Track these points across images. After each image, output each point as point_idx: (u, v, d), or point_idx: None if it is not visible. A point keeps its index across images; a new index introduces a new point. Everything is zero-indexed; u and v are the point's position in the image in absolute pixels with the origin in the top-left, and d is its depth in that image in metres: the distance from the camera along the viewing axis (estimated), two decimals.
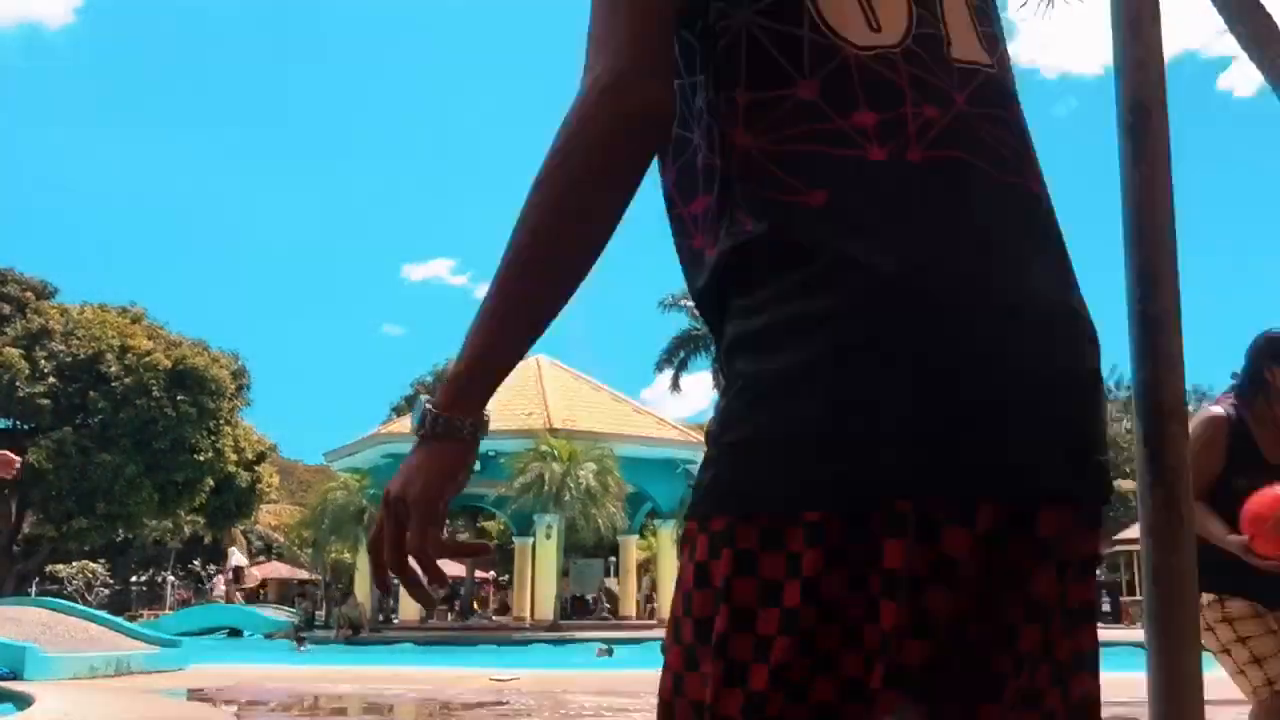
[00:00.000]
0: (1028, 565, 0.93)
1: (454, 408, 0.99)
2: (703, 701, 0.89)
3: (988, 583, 0.91)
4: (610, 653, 16.30)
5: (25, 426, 28.21)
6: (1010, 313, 0.92)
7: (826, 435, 0.88)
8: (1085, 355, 0.99)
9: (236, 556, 40.20)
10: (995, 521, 0.90)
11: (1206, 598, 3.20)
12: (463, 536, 42.04)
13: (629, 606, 28.77)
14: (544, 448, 22.15)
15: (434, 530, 0.98)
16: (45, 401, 27.12)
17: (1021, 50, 76.65)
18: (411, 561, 0.97)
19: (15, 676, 8.71)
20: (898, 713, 0.92)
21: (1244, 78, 72.39)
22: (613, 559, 33.01)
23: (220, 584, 37.62)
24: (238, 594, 36.33)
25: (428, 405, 0.98)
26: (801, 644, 0.86)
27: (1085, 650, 1.00)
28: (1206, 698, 2.57)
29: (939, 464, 0.88)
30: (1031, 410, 0.92)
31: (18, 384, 26.82)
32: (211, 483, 29.37)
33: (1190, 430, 3.10)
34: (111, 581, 42.54)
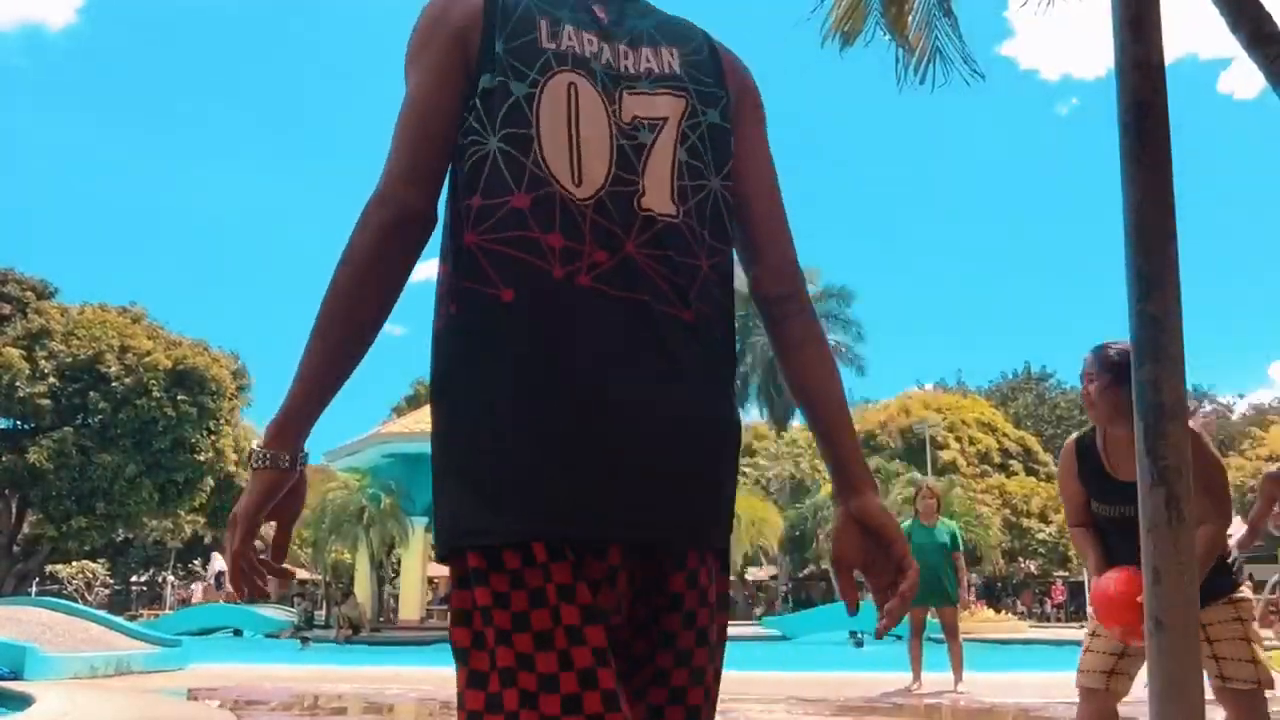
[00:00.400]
0: (655, 585, 1.26)
1: (272, 445, 1.27)
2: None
3: (631, 593, 1.24)
4: None
5: (25, 426, 28.20)
6: (622, 408, 1.21)
7: (494, 490, 1.20)
8: (698, 442, 1.28)
9: (219, 561, 40.19)
10: (624, 556, 1.23)
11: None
12: None
13: None
14: None
15: (248, 537, 1.27)
16: (45, 401, 27.11)
17: (1023, 51, 76.64)
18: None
19: (15, 676, 8.71)
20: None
21: (1245, 80, 72.32)
22: None
23: (199, 591, 37.43)
24: (222, 597, 36.22)
25: (255, 444, 1.28)
26: (514, 649, 1.16)
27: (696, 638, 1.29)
28: (1207, 697, 2.56)
29: (580, 515, 1.19)
30: (634, 480, 1.22)
31: (18, 384, 26.81)
32: (211, 482, 29.36)
33: None
34: (111, 581, 42.55)
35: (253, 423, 36.27)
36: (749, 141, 1.44)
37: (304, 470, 1.31)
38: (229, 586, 1.43)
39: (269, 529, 1.35)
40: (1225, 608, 3.23)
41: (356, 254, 1.26)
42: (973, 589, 32.09)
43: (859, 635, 19.28)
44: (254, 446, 1.27)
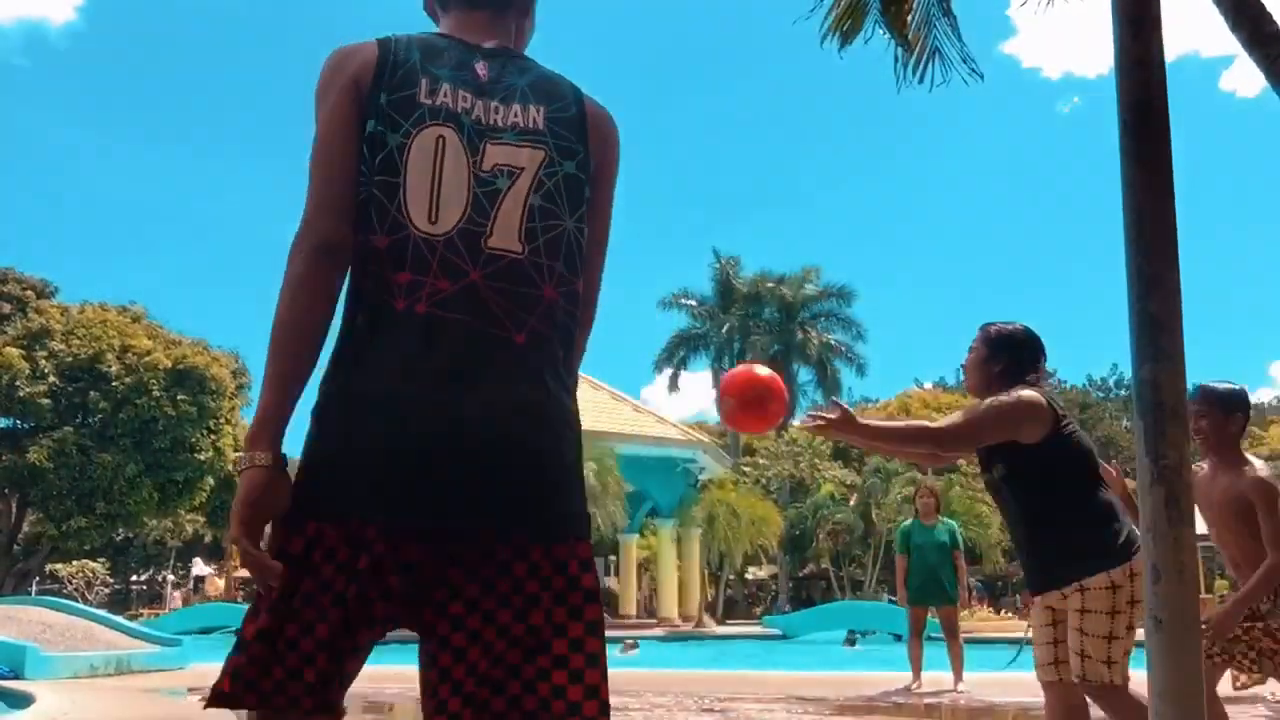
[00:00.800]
0: (448, 559, 1.45)
1: (252, 448, 1.46)
2: None
3: (424, 570, 1.45)
4: (636, 647, 16.27)
5: (25, 426, 28.19)
6: (440, 413, 1.43)
7: (323, 476, 1.46)
8: (508, 445, 1.46)
9: (199, 565, 40.13)
10: (417, 534, 1.43)
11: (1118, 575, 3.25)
12: None
13: (629, 606, 28.75)
14: None
15: (245, 532, 1.45)
16: (45, 401, 27.10)
17: (1025, 49, 76.58)
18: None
19: (15, 676, 8.71)
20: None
21: (1246, 78, 72.19)
22: (612, 558, 33.01)
23: (178, 598, 37.32)
24: (211, 599, 36.12)
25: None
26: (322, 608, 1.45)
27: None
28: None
29: (378, 499, 1.43)
30: (442, 480, 1.43)
31: (18, 384, 26.80)
32: (212, 482, 29.35)
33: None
34: (111, 581, 42.54)
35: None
36: (595, 201, 1.65)
37: (286, 468, 1.48)
38: (208, 590, 1.57)
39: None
40: (1074, 596, 3.24)
41: (291, 282, 1.47)
42: (973, 591, 32.11)
43: (853, 635, 19.37)
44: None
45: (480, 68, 1.59)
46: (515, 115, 1.57)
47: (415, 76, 1.53)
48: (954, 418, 3.46)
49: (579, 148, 1.60)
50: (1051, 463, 3.31)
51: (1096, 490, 3.36)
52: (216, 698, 1.45)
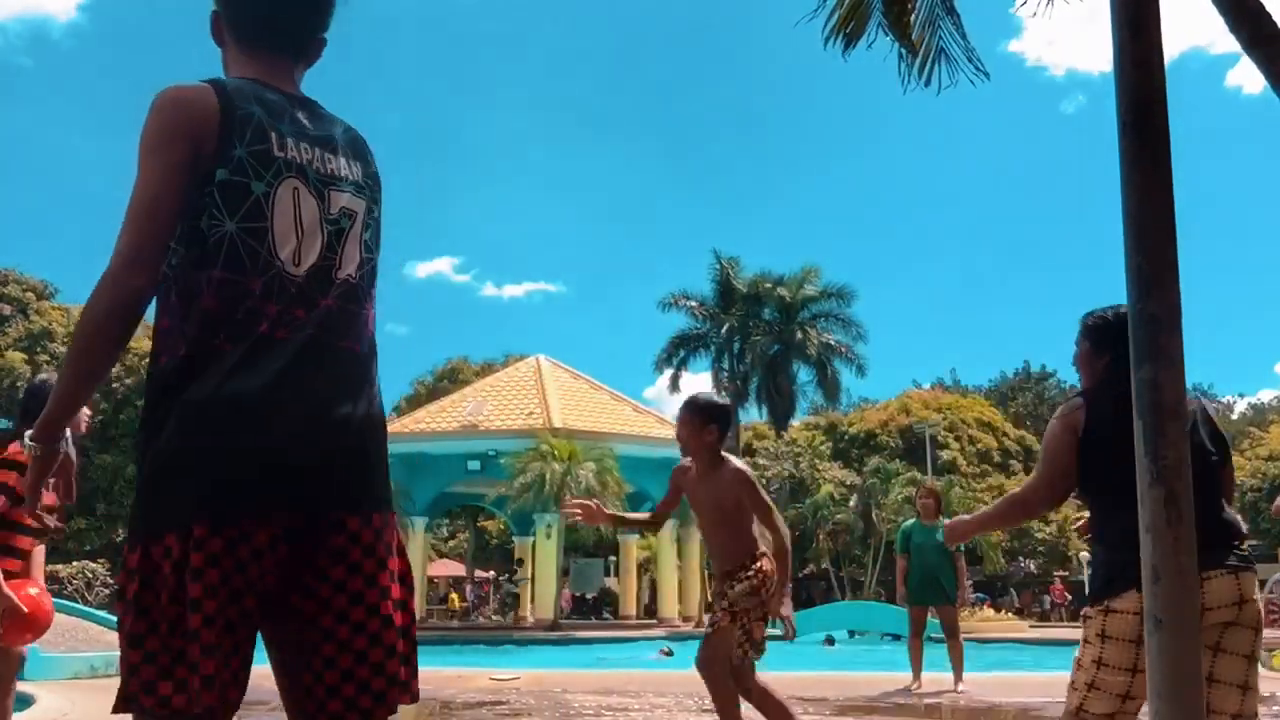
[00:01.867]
0: (316, 547, 1.68)
1: (39, 439, 1.75)
2: None
3: (295, 556, 1.67)
4: (671, 654, 16.27)
5: None
6: (295, 417, 1.66)
7: (195, 480, 1.62)
8: (352, 435, 1.73)
9: None
10: (287, 526, 1.65)
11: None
12: (464, 535, 42.01)
13: (629, 606, 28.73)
14: (544, 447, 22.14)
15: (32, 498, 1.93)
16: None
17: (1028, 48, 76.48)
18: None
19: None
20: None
21: (1252, 75, 72.01)
22: (612, 558, 32.99)
23: None
24: None
25: (28, 436, 1.77)
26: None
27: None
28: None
29: (255, 498, 1.63)
30: (295, 476, 1.66)
31: (19, 385, 26.80)
32: None
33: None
34: (111, 581, 42.51)
35: None
36: None
37: (67, 449, 2.00)
38: None
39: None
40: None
41: (92, 317, 1.64)
42: (974, 600, 32.09)
43: (831, 637, 19.60)
44: (26, 438, 1.78)
45: (303, 119, 1.82)
46: (345, 167, 1.84)
47: (266, 131, 1.73)
48: (1034, 474, 3.13)
49: (381, 195, 1.93)
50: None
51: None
52: (124, 703, 1.61)
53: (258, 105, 1.73)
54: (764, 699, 4.12)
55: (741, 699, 4.15)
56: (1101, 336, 3.03)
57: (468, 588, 37.01)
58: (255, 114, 1.71)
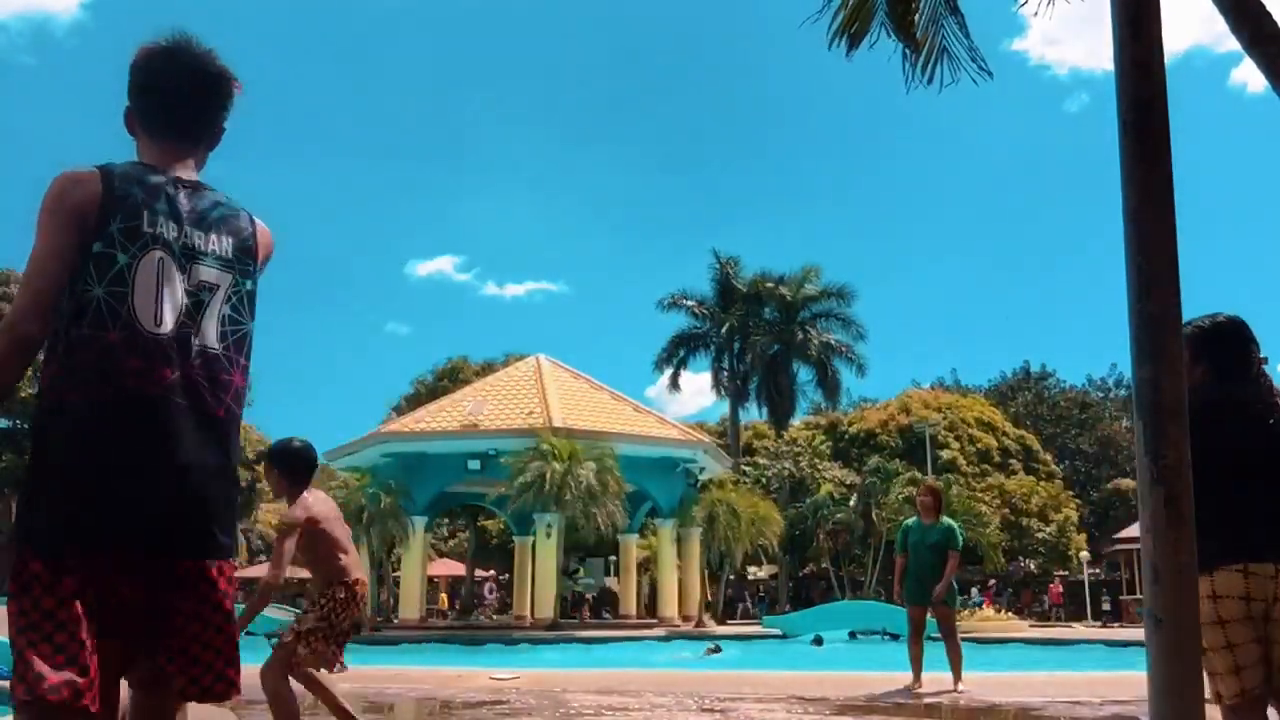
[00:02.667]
0: (160, 580, 1.95)
1: None
2: None
3: (141, 585, 1.93)
4: (719, 650, 16.21)
5: (25, 426, 28.19)
6: (145, 470, 1.91)
7: (63, 515, 1.89)
8: (206, 490, 1.99)
9: None
10: (129, 563, 1.91)
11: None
12: (463, 535, 42.01)
13: (629, 606, 28.74)
14: (544, 447, 22.12)
15: None
16: None
17: (1032, 46, 76.36)
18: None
19: None
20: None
21: (1256, 73, 71.71)
22: (613, 558, 32.99)
23: None
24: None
25: None
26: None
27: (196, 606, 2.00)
28: (1207, 697, 2.55)
29: (112, 534, 1.89)
30: (160, 521, 1.93)
31: (19, 385, 26.83)
32: None
33: None
34: None
35: (253, 423, 36.23)
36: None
37: None
38: None
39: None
40: None
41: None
42: (970, 596, 32.05)
43: (819, 637, 19.67)
44: None
45: (183, 200, 2.06)
46: (213, 243, 2.07)
47: (139, 210, 1.99)
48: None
49: (254, 268, 2.15)
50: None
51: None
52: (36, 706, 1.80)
53: (138, 187, 2.01)
54: (280, 699, 4.61)
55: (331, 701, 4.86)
56: (1199, 344, 3.16)
57: (463, 589, 37.09)
58: (133, 195, 1.99)
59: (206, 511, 2.00)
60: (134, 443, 1.91)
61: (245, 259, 2.12)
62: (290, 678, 4.67)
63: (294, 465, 4.71)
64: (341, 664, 4.87)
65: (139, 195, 2.00)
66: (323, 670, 4.81)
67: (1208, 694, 2.98)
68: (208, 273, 2.04)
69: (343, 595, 4.73)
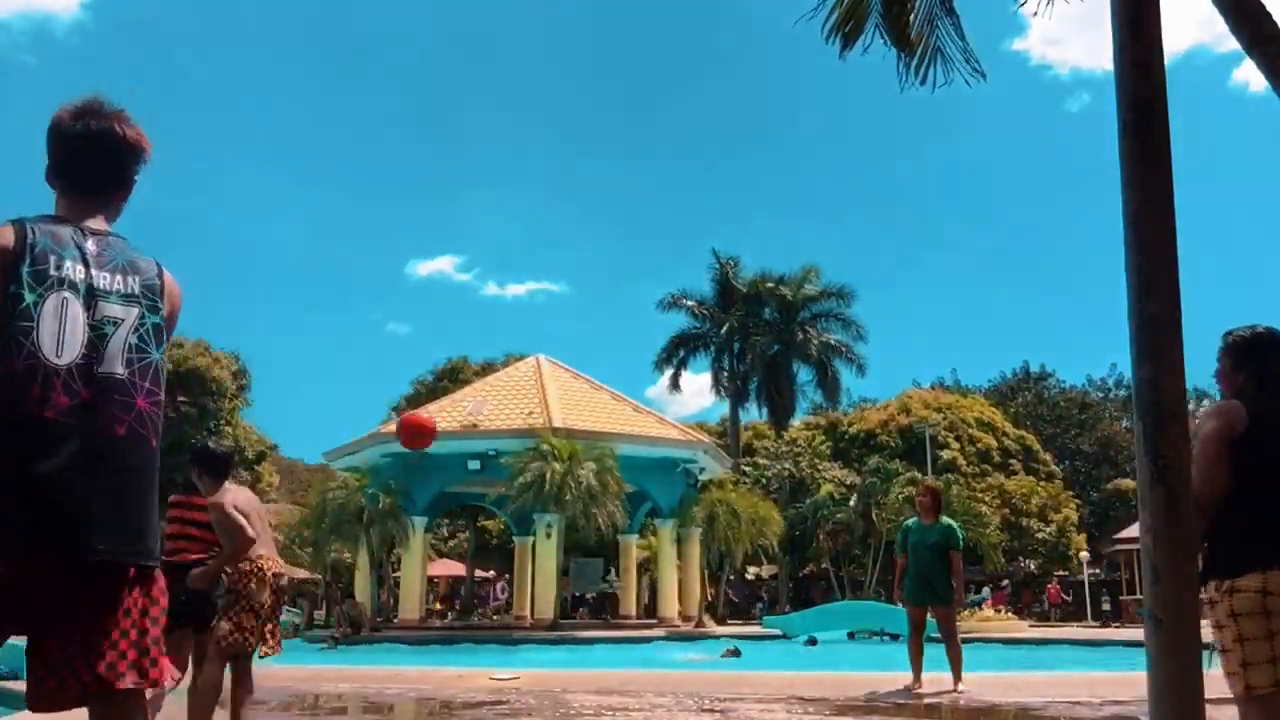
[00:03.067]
0: (74, 582, 2.17)
1: None
2: None
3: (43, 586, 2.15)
4: (738, 653, 16.22)
5: None
6: (50, 485, 2.12)
7: None
8: (113, 501, 2.23)
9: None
10: (43, 563, 2.12)
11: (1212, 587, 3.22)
12: (463, 535, 41.99)
13: (629, 606, 28.73)
14: (544, 447, 22.11)
15: None
16: None
17: (1032, 46, 76.30)
18: None
19: (15, 676, 8.70)
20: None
21: (1258, 73, 71.54)
22: (613, 558, 32.97)
23: None
24: None
25: None
26: None
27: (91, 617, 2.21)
28: (1206, 697, 2.56)
29: (22, 543, 2.10)
30: (64, 531, 2.13)
31: None
32: None
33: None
34: None
35: (253, 423, 36.22)
36: (169, 336, 2.44)
37: None
38: None
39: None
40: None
41: None
42: (978, 599, 32.03)
43: (813, 638, 19.74)
44: None
45: (90, 246, 2.31)
46: (119, 283, 2.31)
47: (48, 256, 2.23)
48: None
49: (161, 304, 2.39)
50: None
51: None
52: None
53: (48, 237, 2.26)
54: (201, 694, 5.11)
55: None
56: (1240, 353, 3.28)
57: (463, 589, 37.05)
58: (42, 243, 2.24)
59: (116, 524, 2.22)
60: (27, 460, 2.11)
61: (151, 295, 2.37)
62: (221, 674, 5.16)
63: (213, 464, 5.31)
64: (276, 645, 5.31)
65: (47, 243, 2.25)
66: (263, 654, 5.26)
67: (1229, 689, 3.05)
68: (111, 308, 2.29)
69: (247, 568, 5.20)
